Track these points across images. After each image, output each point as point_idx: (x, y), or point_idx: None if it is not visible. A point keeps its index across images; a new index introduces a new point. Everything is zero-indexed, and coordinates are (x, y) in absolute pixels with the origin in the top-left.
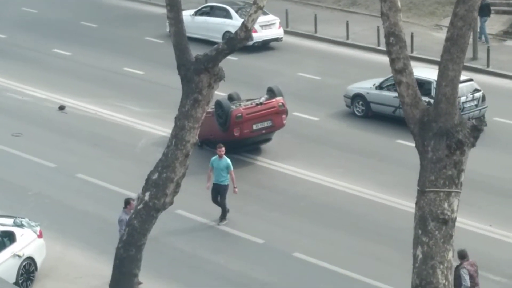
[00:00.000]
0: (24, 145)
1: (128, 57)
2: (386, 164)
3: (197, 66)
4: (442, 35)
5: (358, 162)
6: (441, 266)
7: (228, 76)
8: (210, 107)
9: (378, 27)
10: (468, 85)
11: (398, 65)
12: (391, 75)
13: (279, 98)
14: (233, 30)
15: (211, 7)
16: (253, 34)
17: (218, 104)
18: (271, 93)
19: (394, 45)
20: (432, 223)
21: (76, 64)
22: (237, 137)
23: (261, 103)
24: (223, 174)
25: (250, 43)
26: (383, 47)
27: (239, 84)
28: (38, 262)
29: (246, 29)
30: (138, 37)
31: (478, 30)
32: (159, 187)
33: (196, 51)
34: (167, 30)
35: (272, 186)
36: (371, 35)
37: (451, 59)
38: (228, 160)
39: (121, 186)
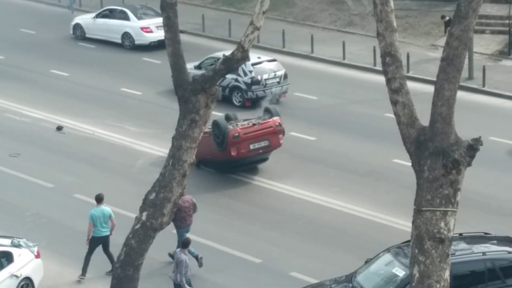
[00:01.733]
0: (22, 166)
1: (126, 78)
2: (383, 183)
3: (194, 87)
4: (437, 55)
5: (355, 181)
6: (438, 285)
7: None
8: (207, 127)
9: (374, 47)
10: (271, 64)
11: (394, 84)
12: (211, 55)
13: (276, 118)
14: (131, 31)
15: (111, 10)
16: (149, 35)
17: (215, 124)
18: (268, 113)
19: (390, 65)
20: (428, 242)
21: (74, 85)
22: (234, 157)
23: (258, 123)
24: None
25: (146, 42)
26: (379, 67)
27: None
28: (36, 282)
29: (242, 50)
30: (135, 57)
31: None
32: (157, 207)
33: (99, 51)
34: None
35: (269, 206)
36: (367, 55)
37: (447, 79)
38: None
39: (119, 206)
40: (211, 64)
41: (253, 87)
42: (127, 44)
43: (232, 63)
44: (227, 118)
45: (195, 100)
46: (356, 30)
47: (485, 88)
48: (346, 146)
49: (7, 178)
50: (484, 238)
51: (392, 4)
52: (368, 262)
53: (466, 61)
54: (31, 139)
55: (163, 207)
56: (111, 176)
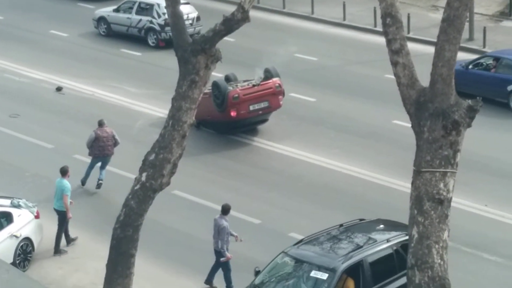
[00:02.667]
0: (22, 126)
1: (125, 39)
2: (383, 145)
3: (194, 47)
4: (438, 16)
5: (355, 143)
6: (437, 246)
7: (225, 57)
8: (207, 88)
9: (374, 8)
10: (184, 7)
11: (394, 46)
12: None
13: (276, 79)
14: None
15: None
16: None
17: (215, 85)
18: (268, 73)
19: (391, 26)
20: (427, 203)
21: (73, 45)
22: (233, 118)
23: (258, 84)
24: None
25: None
26: (379, 28)
27: (236, 65)
28: (35, 242)
29: (243, 10)
30: None
31: None
32: (156, 168)
33: None
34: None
35: (269, 167)
36: (367, 16)
37: (447, 40)
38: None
39: (118, 167)
40: (130, 7)
41: (166, 28)
42: None
43: (232, 24)
44: (227, 79)
45: (195, 61)
46: None
47: (486, 49)
48: (346, 107)
49: (7, 139)
50: (371, 225)
51: None
52: (259, 272)
53: (467, 22)
54: (31, 99)
55: (163, 168)
56: None
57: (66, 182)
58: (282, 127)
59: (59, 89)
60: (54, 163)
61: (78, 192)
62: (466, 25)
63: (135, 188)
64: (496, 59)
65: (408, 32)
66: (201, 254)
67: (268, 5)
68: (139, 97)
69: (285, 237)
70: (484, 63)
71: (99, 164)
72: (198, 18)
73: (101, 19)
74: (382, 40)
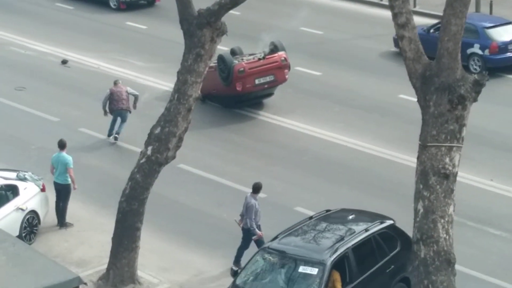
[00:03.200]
0: (27, 99)
1: (131, 11)
2: (388, 119)
3: (200, 21)
4: None
5: (360, 117)
6: (442, 220)
7: (230, 31)
8: (213, 62)
9: None
10: None
11: (400, 19)
12: None
13: (281, 53)
14: None
15: None
16: None
17: (221, 58)
18: (274, 47)
19: None
20: (433, 178)
21: (78, 18)
22: (239, 92)
23: (263, 58)
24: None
25: None
26: (385, 2)
27: (242, 38)
28: (41, 215)
29: None
30: None
31: None
32: (162, 142)
33: None
34: None
35: (274, 141)
36: None
37: (453, 14)
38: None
39: (124, 140)
40: None
41: None
42: None
43: None
44: (233, 53)
45: (201, 34)
46: None
47: None
48: (351, 81)
49: (13, 112)
50: (343, 215)
51: None
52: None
53: None
54: (36, 72)
55: (168, 142)
56: None
57: (67, 156)
58: (288, 101)
59: (64, 62)
60: (60, 136)
61: (83, 165)
62: None
63: (141, 161)
64: None
65: (414, 6)
66: (206, 227)
67: None
68: (144, 71)
69: (291, 211)
70: None
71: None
72: None
73: None
74: (388, 14)
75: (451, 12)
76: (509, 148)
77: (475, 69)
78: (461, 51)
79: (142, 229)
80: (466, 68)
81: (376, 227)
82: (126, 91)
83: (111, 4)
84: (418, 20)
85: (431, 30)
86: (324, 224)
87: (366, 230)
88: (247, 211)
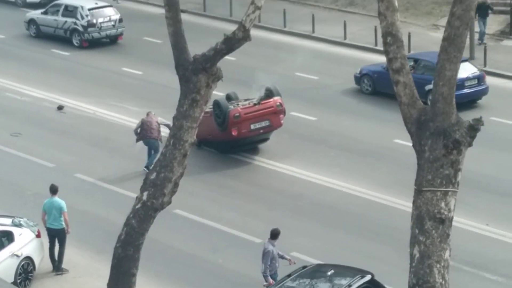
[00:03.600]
0: (23, 145)
1: (127, 57)
2: (383, 164)
3: (195, 66)
4: (439, 35)
5: (356, 162)
6: (438, 265)
7: (226, 76)
8: (208, 107)
9: (375, 27)
10: (107, 10)
11: (395, 64)
12: (56, 2)
13: (277, 98)
14: None
15: None
16: None
17: (216, 104)
18: (269, 93)
19: (392, 44)
20: (429, 222)
21: (74, 64)
22: (235, 137)
23: (259, 103)
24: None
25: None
26: (380, 47)
27: (237, 84)
28: (37, 261)
29: (244, 29)
30: (136, 37)
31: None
32: (157, 187)
33: None
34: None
35: (270, 186)
36: (368, 35)
37: (448, 59)
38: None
39: (119, 186)
40: (57, 10)
41: (89, 29)
42: (19, 1)
43: (233, 43)
44: (228, 98)
45: (196, 79)
46: (357, 10)
47: (486, 68)
48: (346, 126)
49: (8, 158)
50: (322, 270)
51: None
52: None
53: (468, 41)
54: (32, 118)
55: (164, 187)
56: (112, 155)
57: (60, 200)
58: (283, 146)
59: (60, 108)
60: (55, 182)
61: (79, 211)
62: (467, 44)
63: (136, 207)
64: (415, 60)
65: (409, 51)
66: (202, 273)
67: (269, 24)
68: (140, 116)
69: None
70: None
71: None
72: (120, 20)
73: (31, 21)
74: (383, 59)
75: (445, 57)
76: (505, 193)
77: None
78: (419, 88)
79: (137, 274)
80: (424, 104)
81: (358, 282)
82: (157, 121)
83: (74, 42)
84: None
85: None
86: (305, 282)
87: (349, 286)
88: (264, 257)
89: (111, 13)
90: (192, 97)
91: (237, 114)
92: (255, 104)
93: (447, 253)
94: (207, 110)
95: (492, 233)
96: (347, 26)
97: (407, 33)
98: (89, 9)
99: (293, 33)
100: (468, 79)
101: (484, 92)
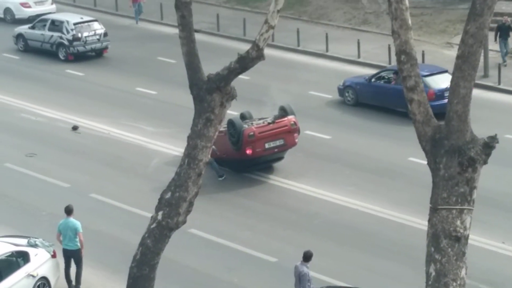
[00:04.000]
0: (38, 166)
1: (141, 77)
2: (398, 182)
3: (209, 86)
4: (453, 52)
5: (370, 180)
6: (454, 284)
7: (240, 95)
8: (223, 126)
9: (389, 45)
10: (92, 24)
11: (409, 83)
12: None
13: (291, 117)
14: (12, 7)
15: None
16: (28, 9)
17: (231, 123)
18: (283, 111)
19: (405, 63)
20: (444, 241)
21: (89, 84)
22: (249, 156)
23: (273, 122)
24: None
25: (25, 16)
26: (394, 65)
27: (251, 103)
28: (52, 282)
29: (257, 48)
30: (150, 57)
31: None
32: (172, 206)
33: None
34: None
35: (285, 205)
36: (382, 53)
37: (462, 77)
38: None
39: (134, 206)
40: (43, 25)
41: (75, 43)
42: (8, 18)
43: (247, 62)
44: (242, 117)
45: (210, 99)
46: (371, 28)
47: (501, 86)
48: (361, 144)
49: (24, 178)
50: None
51: (407, 2)
52: None
53: (482, 59)
54: (47, 139)
55: (179, 206)
56: (126, 175)
57: (76, 221)
58: (298, 165)
59: (75, 128)
60: (70, 202)
61: (94, 231)
62: (481, 62)
63: (152, 226)
64: (396, 72)
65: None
66: None
67: (282, 43)
68: (154, 136)
69: None
70: (385, 76)
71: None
72: (105, 34)
73: (19, 36)
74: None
75: (460, 75)
76: None
77: None
78: (401, 99)
79: None
80: (406, 114)
81: None
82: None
83: (60, 56)
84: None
85: (373, 79)
86: None
87: None
88: (301, 280)
89: (96, 28)
90: (206, 116)
91: (252, 133)
92: (269, 123)
93: (463, 271)
94: (222, 129)
95: (508, 251)
96: (361, 45)
97: (421, 51)
98: (75, 24)
99: (307, 52)
100: (447, 89)
101: None
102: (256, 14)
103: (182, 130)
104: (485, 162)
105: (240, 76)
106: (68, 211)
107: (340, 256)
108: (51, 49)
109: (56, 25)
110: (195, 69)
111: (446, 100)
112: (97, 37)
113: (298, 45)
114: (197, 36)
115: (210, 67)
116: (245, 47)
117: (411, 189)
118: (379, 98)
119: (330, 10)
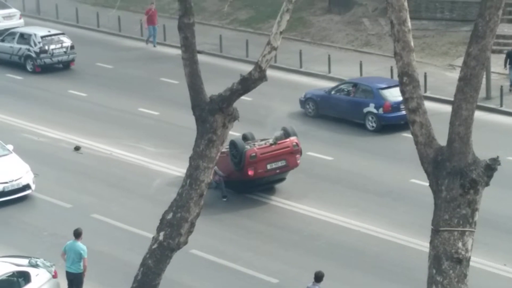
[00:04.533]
0: (40, 186)
1: (143, 98)
2: (400, 204)
3: (212, 107)
4: (455, 75)
5: (372, 202)
6: None
7: (242, 116)
8: (225, 147)
9: (391, 67)
10: (59, 37)
11: (411, 104)
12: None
13: (293, 138)
14: None
15: None
16: None
17: (233, 144)
18: (285, 132)
19: (408, 84)
20: (446, 263)
21: (91, 105)
22: (251, 177)
23: (275, 143)
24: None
25: None
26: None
27: (253, 124)
28: None
29: (260, 69)
30: (153, 77)
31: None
32: (174, 227)
33: (116, 71)
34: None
35: (286, 226)
36: (384, 75)
37: (464, 99)
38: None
39: (136, 226)
40: (12, 38)
41: (42, 55)
42: None
43: (250, 83)
44: (244, 138)
45: (213, 120)
46: (373, 50)
47: (503, 108)
48: (363, 166)
49: (25, 198)
50: None
51: (409, 24)
52: None
53: (484, 81)
54: (49, 159)
55: (180, 227)
56: (128, 196)
57: (82, 245)
58: (300, 186)
59: (77, 148)
60: (72, 222)
61: (95, 251)
62: (483, 84)
63: (153, 247)
64: (355, 85)
65: (425, 91)
66: None
67: (285, 65)
68: (156, 156)
69: None
70: (345, 89)
71: None
72: (72, 47)
73: None
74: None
75: (462, 97)
76: None
77: (372, 126)
78: (357, 110)
79: None
80: (363, 126)
81: None
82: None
83: (28, 68)
84: (429, 105)
85: (332, 92)
86: None
87: None
88: None
89: (63, 41)
90: (208, 137)
91: (254, 154)
92: (271, 144)
93: None
94: (224, 150)
95: (510, 273)
96: (363, 66)
97: (423, 73)
98: (42, 37)
99: (310, 73)
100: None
101: None
102: (259, 36)
103: (184, 151)
104: (487, 184)
105: (243, 97)
106: (77, 234)
107: (342, 277)
108: (19, 61)
109: (24, 38)
110: (197, 90)
111: (403, 112)
112: (64, 49)
113: (301, 67)
114: (200, 57)
115: (212, 88)
116: (247, 68)
117: (413, 211)
118: (339, 110)
119: (333, 31)
